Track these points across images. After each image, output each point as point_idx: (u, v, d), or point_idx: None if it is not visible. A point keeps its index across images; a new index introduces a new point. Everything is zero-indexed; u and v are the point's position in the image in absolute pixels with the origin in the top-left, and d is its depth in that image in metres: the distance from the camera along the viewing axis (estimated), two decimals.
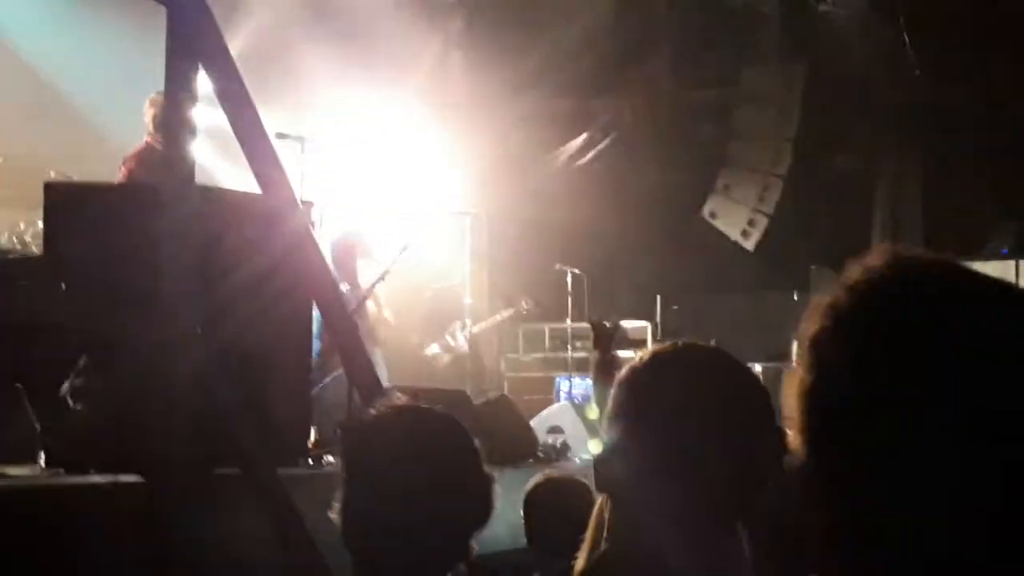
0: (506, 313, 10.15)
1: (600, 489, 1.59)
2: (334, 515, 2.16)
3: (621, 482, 1.55)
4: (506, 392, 10.11)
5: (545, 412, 9.12)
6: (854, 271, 1.11)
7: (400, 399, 2.27)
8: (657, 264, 12.33)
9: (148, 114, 6.96)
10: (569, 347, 10.80)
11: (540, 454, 7.49)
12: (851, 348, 1.04)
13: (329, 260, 8.35)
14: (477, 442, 2.17)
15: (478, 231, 11.00)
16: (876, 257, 1.11)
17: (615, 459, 1.56)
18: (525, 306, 10.38)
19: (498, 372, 11.15)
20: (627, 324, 10.86)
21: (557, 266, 10.83)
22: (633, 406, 1.58)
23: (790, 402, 1.08)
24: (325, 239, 8.39)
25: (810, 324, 1.09)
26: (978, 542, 0.96)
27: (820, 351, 1.06)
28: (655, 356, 1.63)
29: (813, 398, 1.05)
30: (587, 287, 10.94)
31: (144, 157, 6.75)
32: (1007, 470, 0.96)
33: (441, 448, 2.12)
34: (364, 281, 8.44)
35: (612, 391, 1.63)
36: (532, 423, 8.06)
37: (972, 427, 0.97)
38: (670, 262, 12.31)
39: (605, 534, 1.64)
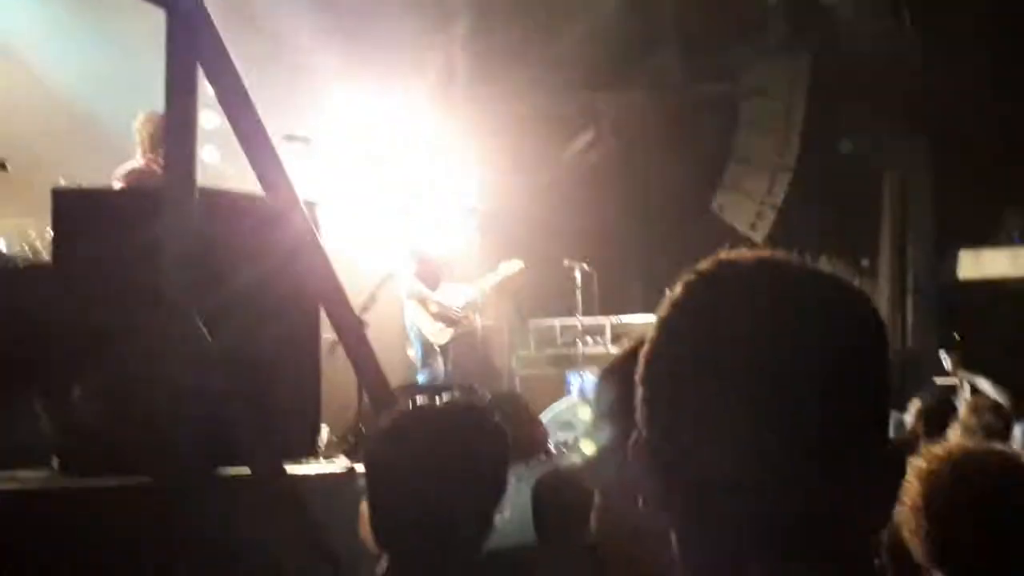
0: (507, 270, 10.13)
1: (595, 488, 1.59)
2: (363, 509, 2.23)
3: (613, 484, 1.53)
4: (517, 388, 10.16)
5: (556, 407, 9.14)
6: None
7: (409, 395, 2.35)
8: (667, 258, 12.34)
9: (142, 132, 6.92)
10: (580, 343, 10.81)
11: (551, 450, 7.50)
12: (669, 355, 1.08)
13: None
14: (504, 439, 2.26)
15: (488, 228, 11.04)
16: (703, 265, 1.14)
17: (607, 459, 1.54)
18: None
19: (509, 369, 11.17)
20: (638, 319, 10.88)
21: (566, 262, 10.84)
22: (625, 401, 1.55)
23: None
24: (331, 240, 8.46)
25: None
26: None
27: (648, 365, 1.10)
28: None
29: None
30: (597, 283, 10.95)
31: (142, 176, 6.74)
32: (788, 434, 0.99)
33: (467, 441, 2.20)
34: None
35: (600, 383, 1.61)
36: (543, 418, 8.08)
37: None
38: (680, 256, 12.25)
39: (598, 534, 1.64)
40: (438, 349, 9.43)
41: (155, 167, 6.69)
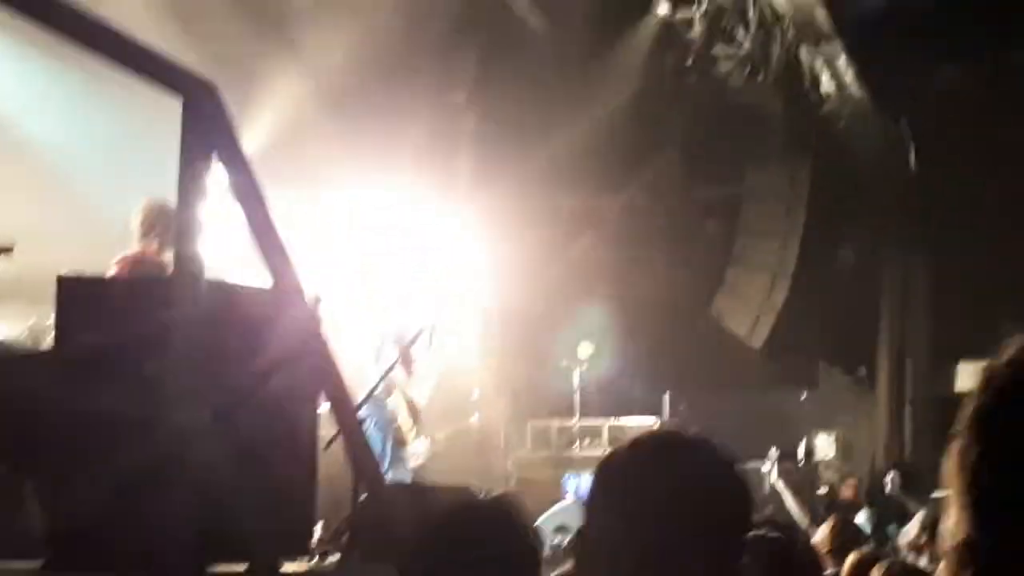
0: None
1: (577, 567, 1.61)
2: None
3: (596, 569, 1.54)
4: (513, 489, 10.03)
5: (552, 510, 9.02)
6: (1012, 349, 1.15)
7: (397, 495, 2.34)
8: (666, 360, 12.31)
9: (137, 220, 6.91)
10: (577, 444, 10.72)
11: (547, 553, 7.38)
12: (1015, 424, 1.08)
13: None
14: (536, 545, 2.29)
15: (491, 326, 11.02)
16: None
17: (590, 546, 1.56)
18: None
19: (505, 470, 11.06)
20: (635, 421, 10.81)
21: (564, 363, 10.81)
22: (607, 498, 1.55)
23: (951, 472, 1.12)
24: (337, 332, 8.41)
25: (974, 399, 1.14)
26: None
27: (986, 424, 1.11)
28: (635, 445, 1.62)
29: (983, 467, 1.09)
30: (596, 384, 10.91)
31: (134, 264, 6.72)
32: None
33: (507, 547, 2.17)
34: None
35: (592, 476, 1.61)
36: (540, 520, 7.97)
37: None
38: (679, 358, 12.29)
39: None
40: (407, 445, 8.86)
41: (148, 254, 6.69)
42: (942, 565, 1.66)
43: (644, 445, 1.62)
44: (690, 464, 1.57)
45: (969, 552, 1.07)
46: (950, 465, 1.12)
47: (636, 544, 1.49)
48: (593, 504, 1.59)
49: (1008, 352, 1.14)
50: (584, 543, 1.60)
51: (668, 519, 1.50)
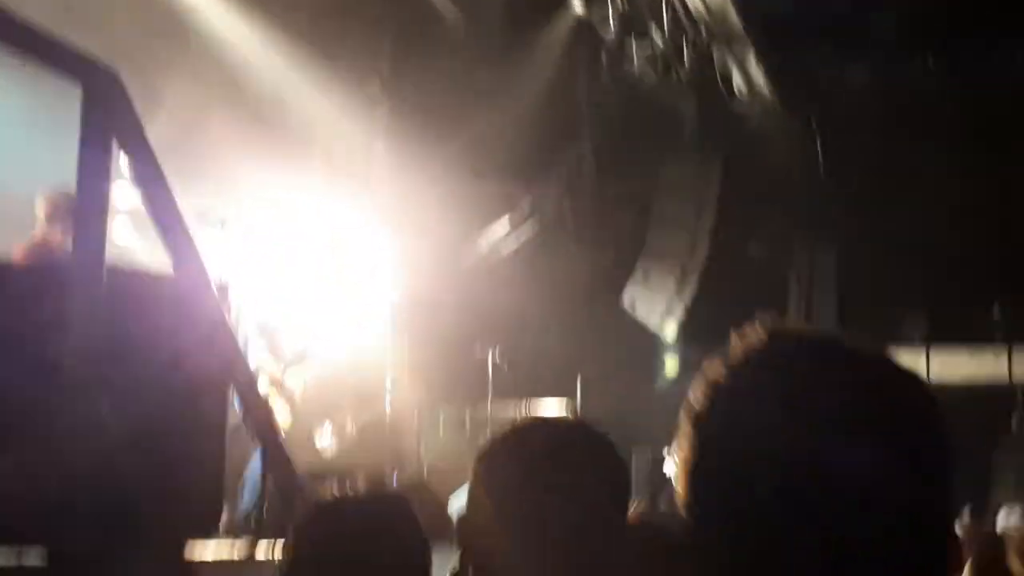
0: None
1: (462, 554, 1.67)
2: None
3: (478, 541, 1.63)
4: (426, 476, 10.12)
5: (460, 492, 9.10)
6: (734, 348, 1.14)
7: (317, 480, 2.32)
8: (578, 348, 12.45)
9: (41, 208, 6.86)
10: (489, 431, 10.81)
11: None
12: (726, 423, 1.08)
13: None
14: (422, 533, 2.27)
15: (401, 314, 11.05)
16: (754, 333, 1.14)
17: (472, 518, 1.66)
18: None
19: (418, 456, 11.13)
20: (548, 405, 10.95)
21: (478, 349, 10.89)
22: (489, 477, 1.65)
23: (678, 478, 1.11)
24: (246, 321, 8.42)
25: (693, 403, 1.12)
26: None
27: (702, 429, 1.10)
28: (509, 433, 1.71)
29: (697, 474, 1.10)
30: (510, 370, 11.00)
31: (34, 250, 6.68)
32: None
33: (393, 530, 2.19)
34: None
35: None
36: (451, 504, 8.04)
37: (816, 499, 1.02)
38: (591, 346, 12.43)
39: None
40: None
41: (51, 241, 6.65)
42: None
43: (520, 431, 1.70)
44: (564, 447, 1.65)
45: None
46: (677, 468, 1.12)
47: (516, 525, 1.58)
48: (475, 489, 1.67)
49: (729, 353, 1.13)
50: (467, 527, 1.67)
51: (545, 499, 1.60)
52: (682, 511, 1.10)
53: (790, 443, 1.04)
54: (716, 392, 1.10)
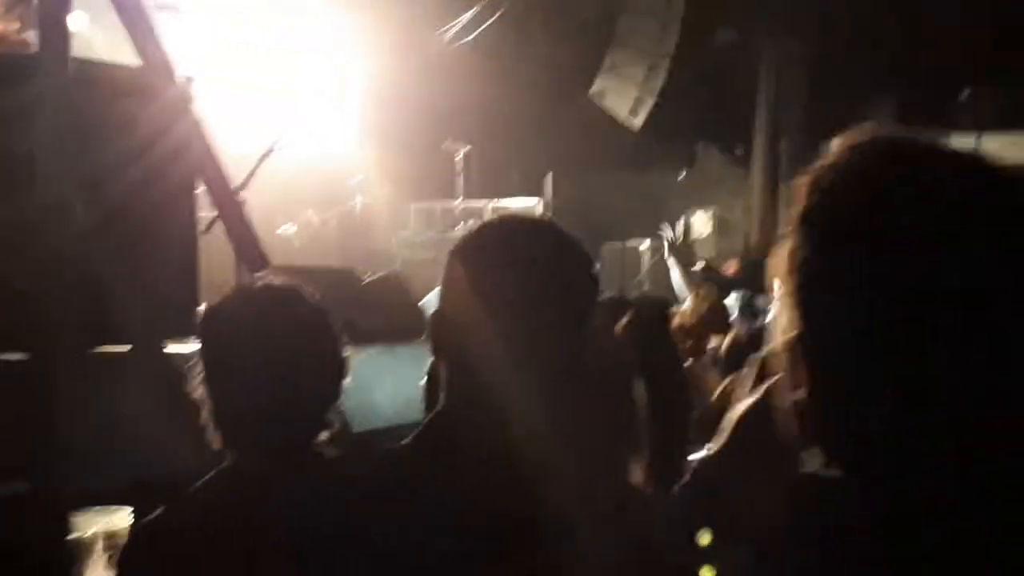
0: None
1: (435, 349, 1.66)
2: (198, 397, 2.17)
3: (453, 341, 1.62)
4: (399, 270, 10.16)
5: (436, 290, 9.15)
6: (838, 147, 1.13)
7: (277, 278, 2.29)
8: (547, 142, 12.37)
9: None
10: (461, 225, 10.83)
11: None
12: (843, 222, 1.07)
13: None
14: (330, 316, 2.22)
15: (364, 109, 10.88)
16: (857, 135, 1.14)
17: (446, 319, 1.64)
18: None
19: (390, 251, 11.15)
20: (516, 202, 10.93)
21: (446, 145, 10.79)
22: (462, 274, 1.62)
23: (779, 273, 1.11)
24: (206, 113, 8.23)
25: (800, 201, 1.12)
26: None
27: (814, 225, 1.10)
28: (482, 228, 1.68)
29: (806, 271, 1.09)
30: (478, 166, 10.95)
31: None
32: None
33: (284, 327, 2.14)
34: None
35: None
36: (425, 301, 8.09)
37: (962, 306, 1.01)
38: (560, 140, 12.35)
39: (442, 391, 1.70)
40: None
41: (8, 32, 6.44)
42: (770, 358, 1.72)
43: (492, 225, 1.69)
44: (536, 241, 1.63)
45: (802, 348, 1.08)
46: (781, 266, 1.11)
47: (491, 318, 1.56)
48: (448, 284, 1.64)
49: (833, 153, 1.13)
50: (440, 322, 1.65)
51: (520, 290, 1.57)
52: (790, 304, 1.09)
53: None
54: (824, 190, 1.10)
